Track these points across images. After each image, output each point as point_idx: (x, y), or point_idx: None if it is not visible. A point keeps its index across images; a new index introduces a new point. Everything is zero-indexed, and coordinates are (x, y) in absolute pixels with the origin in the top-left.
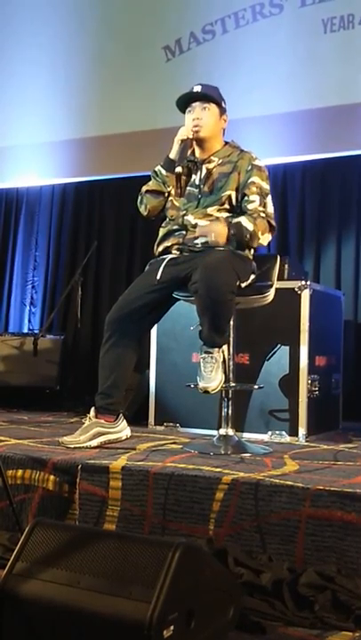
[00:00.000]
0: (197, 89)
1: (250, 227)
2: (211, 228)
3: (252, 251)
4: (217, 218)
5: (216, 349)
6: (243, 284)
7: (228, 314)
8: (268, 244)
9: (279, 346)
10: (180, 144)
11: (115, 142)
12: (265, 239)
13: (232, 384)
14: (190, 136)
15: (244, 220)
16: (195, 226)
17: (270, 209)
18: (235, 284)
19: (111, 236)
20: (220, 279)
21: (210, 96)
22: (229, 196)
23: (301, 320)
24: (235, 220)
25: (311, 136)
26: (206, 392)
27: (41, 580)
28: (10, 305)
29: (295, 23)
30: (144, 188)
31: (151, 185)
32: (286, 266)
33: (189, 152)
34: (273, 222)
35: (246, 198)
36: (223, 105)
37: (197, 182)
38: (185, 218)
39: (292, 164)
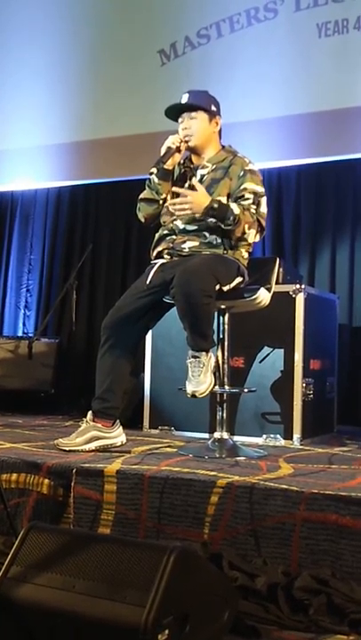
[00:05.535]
0: (185, 98)
1: (236, 210)
2: (191, 197)
3: (246, 254)
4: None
5: (203, 353)
6: (225, 288)
7: (207, 318)
8: (263, 246)
9: (274, 349)
10: (165, 149)
11: (110, 146)
12: (251, 235)
13: (226, 387)
14: (177, 144)
15: (233, 204)
16: (182, 230)
17: (263, 210)
18: (212, 288)
19: (106, 240)
20: (195, 284)
21: (195, 105)
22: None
23: (296, 323)
24: (224, 202)
25: (306, 140)
26: (194, 396)
27: (36, 584)
28: (4, 308)
29: (290, 28)
30: (140, 197)
31: (145, 193)
32: (281, 269)
33: (186, 159)
34: (263, 223)
35: (241, 196)
36: (213, 108)
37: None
38: (174, 223)
39: (287, 169)
